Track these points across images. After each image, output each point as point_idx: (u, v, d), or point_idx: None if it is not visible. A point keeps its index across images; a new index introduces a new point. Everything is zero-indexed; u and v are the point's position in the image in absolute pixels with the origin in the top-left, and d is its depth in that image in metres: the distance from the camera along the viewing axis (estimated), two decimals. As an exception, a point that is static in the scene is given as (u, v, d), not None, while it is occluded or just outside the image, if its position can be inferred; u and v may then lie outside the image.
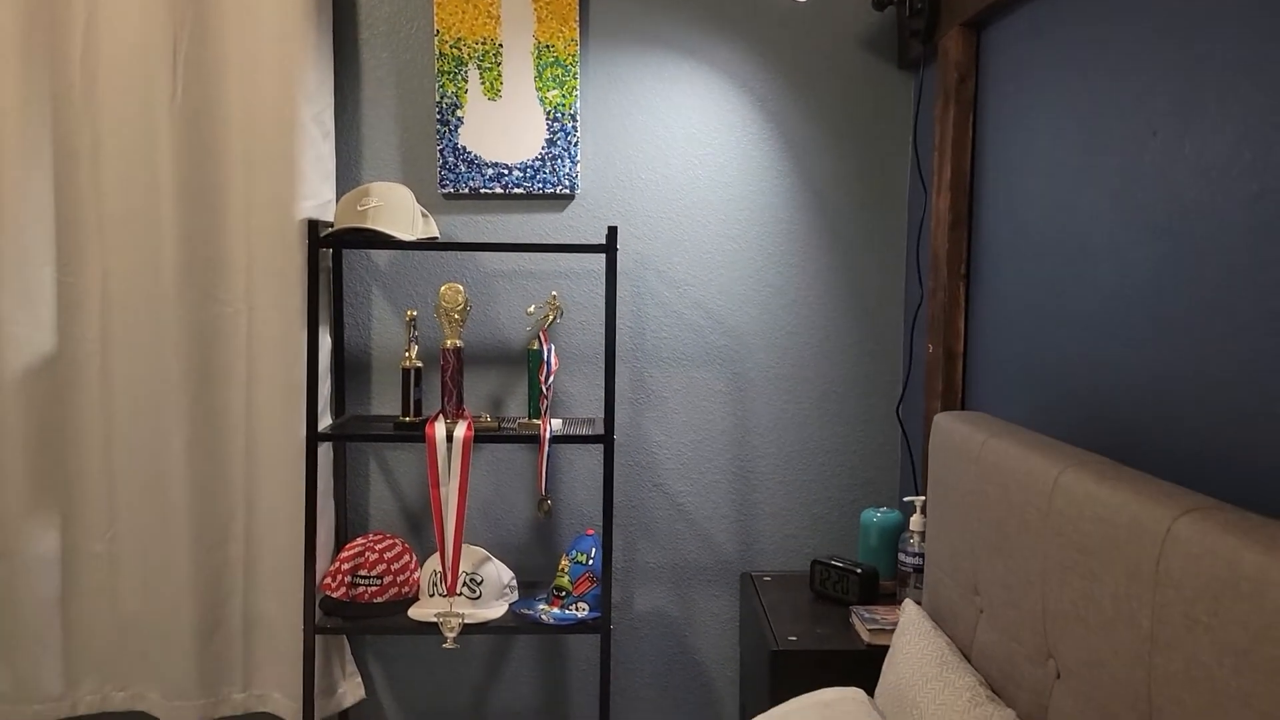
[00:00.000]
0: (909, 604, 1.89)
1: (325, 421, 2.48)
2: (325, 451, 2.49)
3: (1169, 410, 1.41)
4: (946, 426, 1.88)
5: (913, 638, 1.75)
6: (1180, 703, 1.06)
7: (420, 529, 2.67)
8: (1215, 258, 1.31)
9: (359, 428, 2.48)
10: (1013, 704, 1.48)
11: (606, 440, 2.36)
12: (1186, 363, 1.37)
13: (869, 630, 2.11)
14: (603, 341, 2.61)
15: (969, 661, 1.65)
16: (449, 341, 2.41)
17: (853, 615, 2.21)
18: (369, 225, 2.31)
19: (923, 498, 2.22)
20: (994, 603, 1.60)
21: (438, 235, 2.51)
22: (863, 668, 2.00)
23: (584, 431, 2.42)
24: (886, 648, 1.87)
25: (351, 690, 2.63)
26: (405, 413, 2.45)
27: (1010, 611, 1.53)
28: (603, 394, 2.42)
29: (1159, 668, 1.10)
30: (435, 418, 2.39)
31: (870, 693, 1.81)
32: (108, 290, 2.47)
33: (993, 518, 1.59)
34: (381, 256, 2.63)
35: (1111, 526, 1.22)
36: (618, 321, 2.55)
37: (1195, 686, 1.03)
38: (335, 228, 2.34)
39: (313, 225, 2.36)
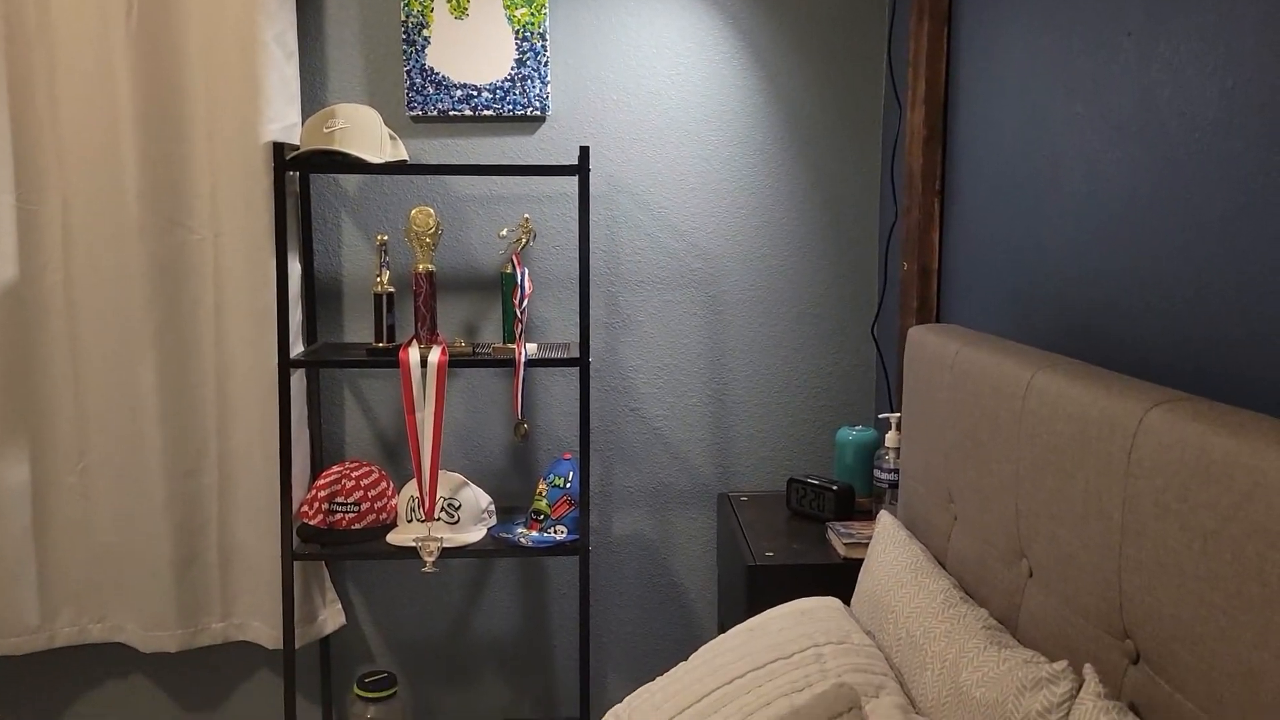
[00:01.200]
0: (884, 514, 1.91)
1: (297, 349, 2.45)
2: (298, 380, 2.47)
3: (1143, 313, 1.42)
4: (920, 339, 1.88)
5: (887, 546, 1.77)
6: (1150, 590, 1.08)
7: (397, 457, 2.67)
8: (1187, 155, 1.31)
9: (332, 354, 2.46)
10: (985, 605, 1.50)
11: (582, 363, 2.35)
12: (1159, 263, 1.37)
13: (845, 544, 2.13)
14: (576, 266, 2.58)
15: (943, 568, 1.67)
16: (421, 266, 2.38)
17: (829, 531, 2.23)
18: (336, 147, 2.25)
19: (898, 415, 2.24)
20: (968, 509, 1.62)
21: (406, 158, 2.46)
22: (839, 581, 2.01)
23: (559, 355, 2.41)
24: (862, 561, 1.89)
25: (332, 617, 2.64)
26: (378, 339, 2.43)
27: (983, 516, 1.55)
28: (577, 319, 2.40)
29: (1129, 557, 1.12)
30: (409, 343, 2.37)
31: (846, 604, 1.84)
32: (70, 218, 2.41)
33: (966, 425, 1.60)
34: (350, 181, 2.58)
35: (1084, 423, 1.23)
36: (591, 245, 2.53)
37: (1164, 572, 1.05)
38: (301, 150, 2.29)
39: (278, 148, 2.30)
